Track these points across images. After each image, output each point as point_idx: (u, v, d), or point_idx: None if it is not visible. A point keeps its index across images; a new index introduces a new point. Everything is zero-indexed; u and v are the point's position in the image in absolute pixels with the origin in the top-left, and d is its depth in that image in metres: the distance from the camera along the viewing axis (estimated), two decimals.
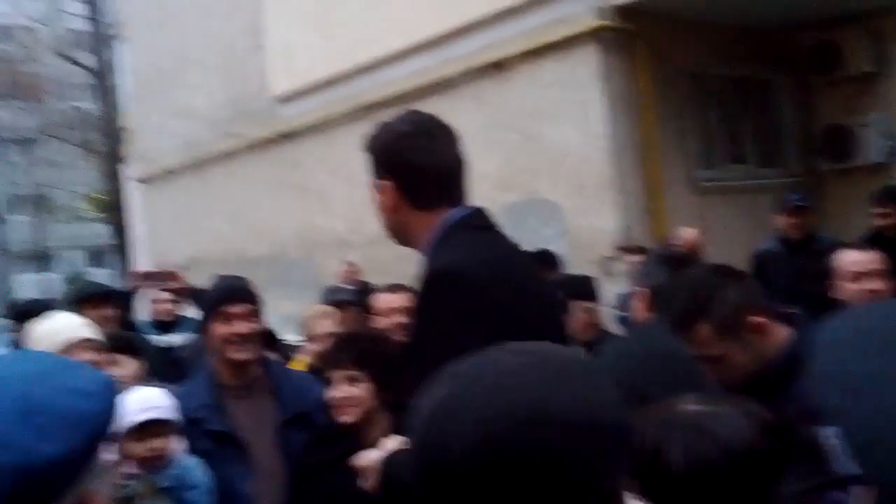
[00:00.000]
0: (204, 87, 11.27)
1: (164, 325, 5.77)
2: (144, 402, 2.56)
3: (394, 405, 2.50)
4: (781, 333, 2.00)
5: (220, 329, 2.81)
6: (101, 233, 29.48)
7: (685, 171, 7.24)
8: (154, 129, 12.59)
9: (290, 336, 4.88)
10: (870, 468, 0.84)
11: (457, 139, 1.94)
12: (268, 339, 3.70)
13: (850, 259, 3.32)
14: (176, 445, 2.66)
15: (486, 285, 1.72)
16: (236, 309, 2.81)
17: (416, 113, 1.98)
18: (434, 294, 1.74)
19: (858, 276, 3.25)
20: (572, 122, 6.87)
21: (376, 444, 2.34)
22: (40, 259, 33.36)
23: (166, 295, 5.98)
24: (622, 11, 6.69)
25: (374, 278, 7.08)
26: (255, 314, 2.86)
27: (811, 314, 4.94)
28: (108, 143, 21.39)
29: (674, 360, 1.84)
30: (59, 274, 34.62)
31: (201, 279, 6.48)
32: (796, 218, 5.30)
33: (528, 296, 1.83)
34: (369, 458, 1.86)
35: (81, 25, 23.65)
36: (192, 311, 5.80)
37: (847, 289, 3.27)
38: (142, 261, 12.66)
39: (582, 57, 6.80)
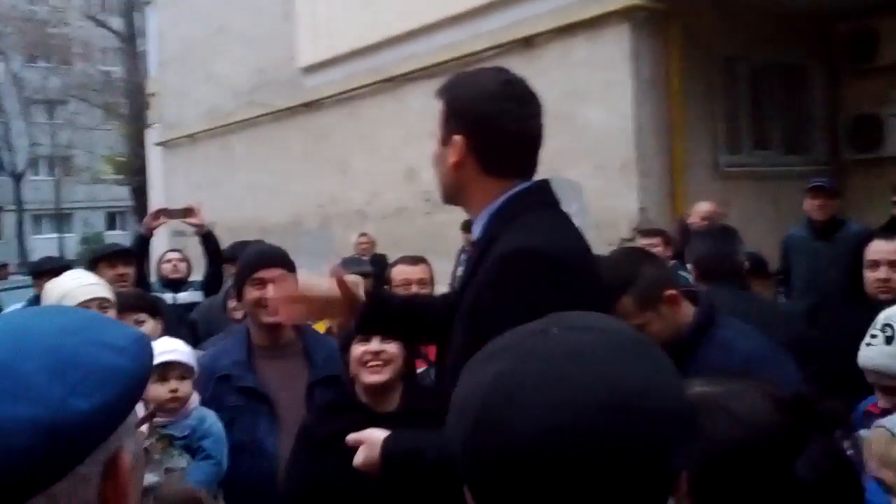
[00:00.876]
0: (231, 55, 11.27)
1: (173, 284, 5.81)
2: (165, 345, 2.66)
3: (407, 376, 2.51)
4: (689, 308, 2.27)
5: (254, 293, 2.85)
6: (119, 195, 29.74)
7: (710, 155, 7.18)
8: (179, 94, 12.62)
9: None
10: None
11: (542, 110, 1.83)
12: None
13: (871, 247, 3.33)
14: (193, 396, 2.71)
15: (573, 267, 1.66)
16: (268, 274, 2.84)
17: (508, 73, 1.83)
18: (518, 273, 1.62)
19: (874, 264, 3.26)
20: (599, 101, 6.82)
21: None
22: (59, 219, 33.62)
23: (175, 254, 6.03)
24: None
25: (387, 251, 7.11)
26: (286, 279, 2.87)
27: (831, 299, 4.92)
28: (131, 106, 21.50)
29: None
30: (76, 234, 34.97)
31: (219, 245, 6.53)
32: (818, 199, 5.26)
33: (598, 278, 1.79)
34: (368, 437, 1.80)
35: None
36: (196, 273, 5.86)
37: (865, 276, 3.28)
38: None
39: (612, 36, 6.74)
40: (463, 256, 6.37)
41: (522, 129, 1.77)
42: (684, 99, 6.84)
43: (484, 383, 0.80)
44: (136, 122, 20.42)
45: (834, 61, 7.77)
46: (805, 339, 2.80)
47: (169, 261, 5.99)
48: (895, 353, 2.21)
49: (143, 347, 0.80)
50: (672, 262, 5.31)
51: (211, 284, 5.34)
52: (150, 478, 2.54)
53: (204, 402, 2.75)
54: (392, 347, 2.44)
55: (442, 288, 4.26)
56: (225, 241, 5.59)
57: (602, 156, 6.82)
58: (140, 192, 19.10)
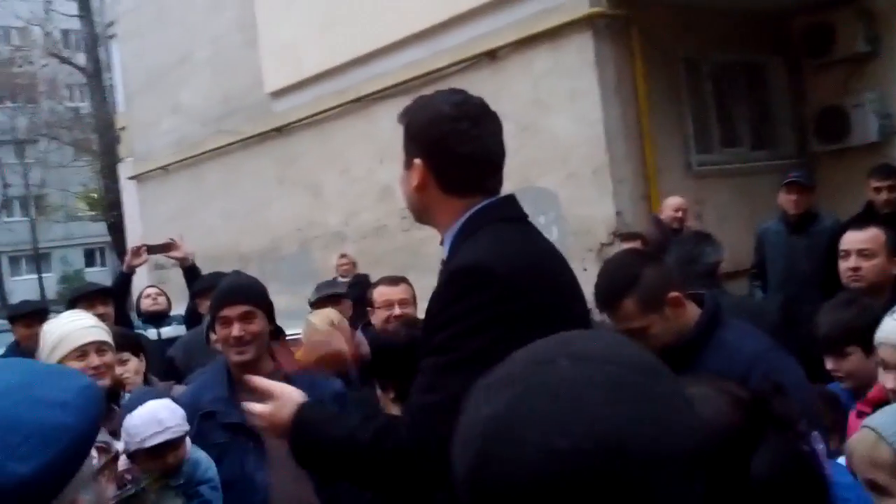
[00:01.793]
0: (197, 83, 11.25)
1: (154, 319, 5.78)
2: (156, 423, 2.54)
3: (401, 397, 2.51)
4: (693, 310, 2.24)
5: (220, 331, 2.82)
6: (96, 231, 29.50)
7: (680, 156, 7.25)
8: (148, 126, 12.57)
9: (289, 330, 4.87)
10: None
11: (500, 127, 1.87)
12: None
13: (843, 238, 3.40)
14: (188, 442, 2.68)
15: (518, 282, 1.66)
16: (231, 312, 2.78)
17: (462, 94, 1.87)
18: (463, 290, 1.65)
19: (846, 253, 3.32)
20: (567, 110, 6.87)
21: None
22: (37, 259, 33.28)
23: (153, 289, 6.00)
24: None
25: (368, 271, 7.11)
26: (250, 315, 2.80)
27: (806, 292, 4.97)
28: (102, 141, 21.37)
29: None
30: (54, 274, 34.61)
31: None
32: (793, 194, 5.31)
33: (560, 290, 1.78)
34: (284, 393, 1.79)
35: (74, 25, 23.59)
36: (179, 306, 5.83)
37: (839, 266, 3.35)
38: None
39: (575, 45, 6.79)
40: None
41: (477, 147, 1.80)
42: (651, 102, 6.91)
43: (488, 415, 0.77)
44: (108, 157, 20.28)
45: (794, 56, 7.88)
46: (777, 334, 2.85)
47: (148, 296, 5.97)
48: None
49: (89, 399, 0.78)
50: None
51: (193, 317, 5.31)
52: None
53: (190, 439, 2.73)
54: None
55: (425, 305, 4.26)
56: (204, 271, 5.56)
57: (574, 164, 6.87)
58: (117, 227, 18.95)
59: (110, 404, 2.68)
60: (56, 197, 31.45)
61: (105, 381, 2.69)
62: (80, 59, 23.57)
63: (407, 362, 1.94)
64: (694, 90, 7.44)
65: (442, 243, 1.86)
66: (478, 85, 7.40)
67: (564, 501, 0.71)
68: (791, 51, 7.86)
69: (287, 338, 4.42)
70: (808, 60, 7.78)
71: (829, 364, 2.65)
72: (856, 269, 3.24)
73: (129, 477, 2.56)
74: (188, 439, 2.67)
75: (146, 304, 5.95)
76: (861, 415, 2.24)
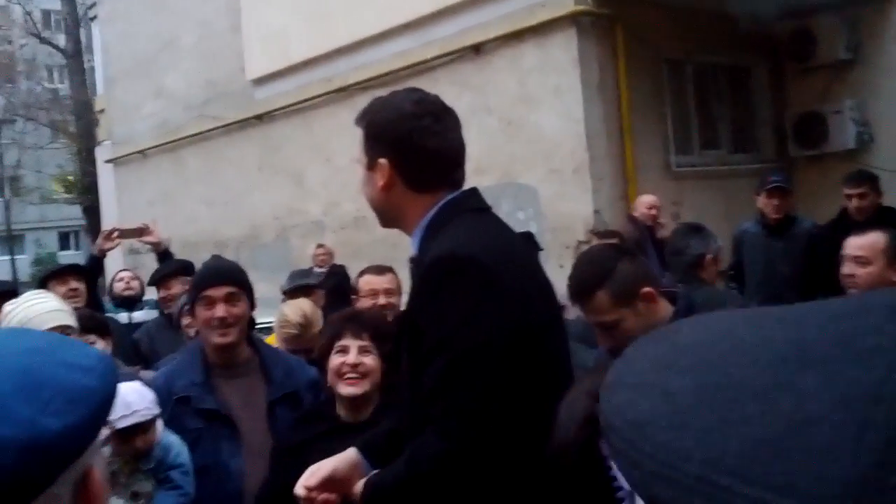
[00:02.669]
0: (180, 68, 11.15)
1: (126, 302, 5.73)
2: (124, 406, 2.49)
3: (386, 388, 2.50)
4: (667, 307, 2.25)
5: (203, 313, 2.79)
6: (71, 214, 29.18)
7: (660, 156, 7.29)
8: (128, 110, 12.45)
9: (263, 318, 4.86)
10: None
11: (459, 122, 1.90)
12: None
13: (845, 242, 3.33)
14: (157, 424, 2.65)
15: (495, 268, 1.70)
16: (216, 292, 2.77)
17: (420, 92, 1.90)
18: (445, 279, 1.67)
19: (844, 259, 3.29)
20: (550, 106, 6.88)
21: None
22: (10, 241, 32.85)
23: (127, 273, 5.95)
24: None
25: (347, 261, 7.09)
26: (236, 297, 2.80)
27: (783, 294, 5.02)
28: (80, 124, 21.14)
29: None
30: (28, 256, 34.20)
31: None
32: (774, 199, 5.35)
33: (530, 277, 1.83)
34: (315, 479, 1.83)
35: (55, 6, 23.29)
36: (152, 291, 5.78)
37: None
38: None
39: (560, 41, 6.81)
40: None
41: (441, 143, 1.83)
42: (633, 101, 6.94)
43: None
44: (86, 140, 20.07)
45: (777, 61, 7.95)
46: None
47: (121, 279, 5.91)
48: None
49: (109, 367, 0.79)
50: None
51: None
52: (116, 502, 2.50)
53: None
54: (370, 360, 2.43)
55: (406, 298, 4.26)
56: (181, 257, 5.53)
57: (555, 160, 6.89)
58: (92, 211, 18.76)
59: None
60: (31, 179, 31.03)
61: None
62: (61, 40, 23.29)
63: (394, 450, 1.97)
64: (676, 91, 7.49)
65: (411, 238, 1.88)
66: (464, 78, 7.41)
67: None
68: (774, 55, 7.93)
69: (258, 326, 4.42)
70: (791, 65, 7.85)
71: None
72: (850, 276, 3.18)
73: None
74: (159, 423, 2.65)
75: (119, 288, 5.89)
76: None
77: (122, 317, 5.48)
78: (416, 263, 1.85)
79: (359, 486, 1.79)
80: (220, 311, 2.74)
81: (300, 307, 3.64)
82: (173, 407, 2.75)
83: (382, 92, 2.00)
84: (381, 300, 3.66)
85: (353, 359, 2.41)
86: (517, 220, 6.62)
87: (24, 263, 32.31)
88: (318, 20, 8.79)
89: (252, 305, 2.88)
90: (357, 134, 1.91)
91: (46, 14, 28.47)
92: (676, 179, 7.34)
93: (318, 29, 8.77)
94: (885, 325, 0.37)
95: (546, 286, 1.88)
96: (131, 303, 5.72)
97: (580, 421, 1.16)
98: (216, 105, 10.48)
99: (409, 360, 1.75)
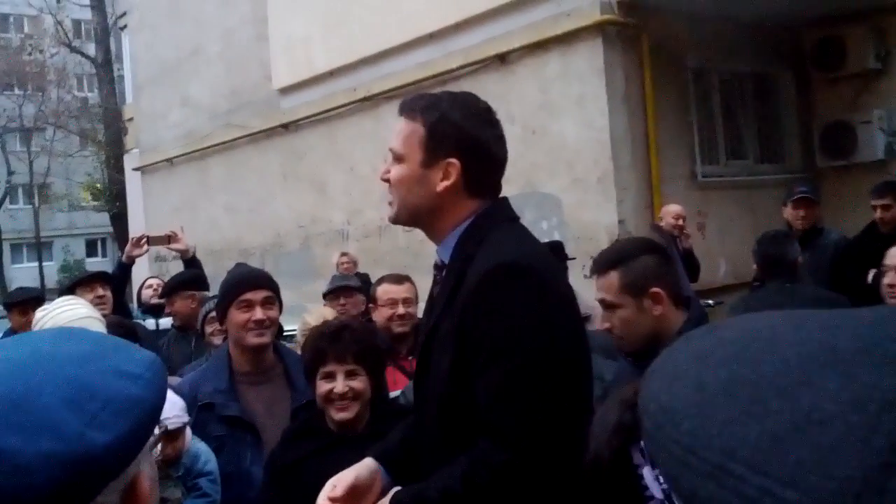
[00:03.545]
0: (206, 77, 11.26)
1: (154, 310, 5.78)
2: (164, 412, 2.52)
3: (374, 401, 2.48)
4: (675, 314, 2.23)
5: (240, 316, 2.82)
6: (99, 222, 29.53)
7: (686, 166, 7.24)
8: (155, 118, 12.58)
9: (288, 325, 4.89)
10: None
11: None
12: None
13: (887, 252, 3.38)
14: (186, 432, 2.67)
15: (552, 277, 1.72)
16: (256, 295, 2.83)
17: (475, 96, 1.86)
18: (507, 287, 1.65)
19: (887, 269, 3.32)
20: (574, 115, 6.87)
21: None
22: (39, 247, 33.30)
23: (156, 280, 6.01)
24: (626, 6, 6.68)
25: (369, 269, 7.11)
26: (272, 301, 2.88)
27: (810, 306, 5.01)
28: (108, 132, 21.40)
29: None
30: (55, 262, 34.65)
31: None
32: (801, 210, 5.30)
33: (567, 284, 1.86)
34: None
35: (86, 15, 23.63)
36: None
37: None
38: None
39: (585, 51, 6.80)
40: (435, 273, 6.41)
41: (504, 152, 1.83)
42: (658, 111, 6.91)
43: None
44: (114, 148, 20.32)
45: (804, 70, 7.88)
46: None
47: (150, 286, 5.97)
48: None
49: (157, 373, 0.79)
50: None
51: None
52: None
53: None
54: (357, 383, 2.41)
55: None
56: (205, 264, 5.56)
57: (579, 169, 6.86)
58: (119, 218, 18.97)
59: None
60: (60, 186, 31.49)
61: None
62: (90, 49, 23.63)
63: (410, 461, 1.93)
64: (702, 100, 7.44)
65: (438, 244, 1.84)
66: (487, 87, 7.41)
67: None
68: (801, 64, 7.86)
69: (285, 334, 4.45)
70: (818, 74, 7.78)
71: None
72: (892, 286, 3.20)
73: None
74: (188, 431, 2.67)
75: (147, 295, 5.96)
76: None
77: (150, 323, 5.53)
78: (449, 270, 1.79)
79: (384, 502, 1.72)
80: (258, 313, 2.80)
81: (322, 314, 3.67)
82: (197, 413, 2.78)
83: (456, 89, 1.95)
84: (400, 309, 3.67)
85: (340, 388, 2.38)
86: (541, 229, 6.60)
87: (52, 270, 32.74)
88: (342, 30, 8.84)
89: (280, 311, 2.94)
90: (386, 137, 1.87)
91: (77, 24, 28.92)
92: (702, 189, 7.28)
93: (343, 39, 8.82)
94: None
95: (573, 295, 1.89)
96: (159, 310, 5.78)
97: (612, 429, 1.16)
98: (241, 114, 10.57)
99: (451, 369, 1.69)
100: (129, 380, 0.74)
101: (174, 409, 2.59)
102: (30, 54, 27.93)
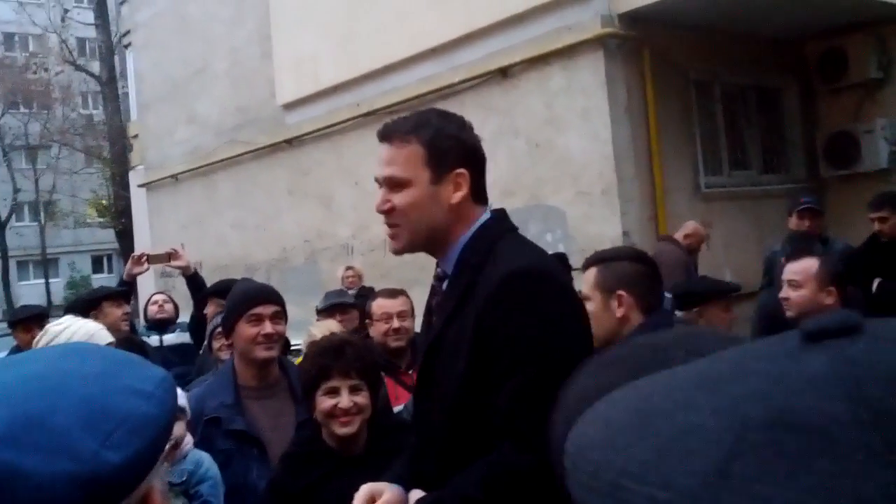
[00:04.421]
0: (211, 94, 11.32)
1: (159, 325, 5.78)
2: None
3: (371, 419, 2.48)
4: (636, 320, 2.39)
5: (249, 330, 2.84)
6: (104, 238, 29.61)
7: (690, 178, 7.26)
8: (161, 135, 12.64)
9: (295, 340, 4.90)
10: None
11: None
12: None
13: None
14: (187, 438, 2.69)
15: (566, 282, 1.78)
16: (265, 310, 2.85)
17: (448, 111, 1.94)
18: (526, 294, 1.67)
19: (783, 282, 3.43)
20: (577, 128, 6.89)
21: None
22: (45, 264, 33.40)
23: (161, 296, 6.02)
24: (628, 19, 6.71)
25: (376, 283, 7.12)
26: (280, 315, 2.91)
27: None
28: (114, 149, 21.49)
29: None
30: (62, 279, 34.74)
31: (206, 284, 6.50)
32: (805, 220, 5.32)
33: (574, 291, 1.89)
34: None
35: (90, 34, 23.78)
36: (186, 314, 5.84)
37: None
38: None
39: (587, 64, 6.83)
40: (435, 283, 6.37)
41: (484, 159, 1.88)
42: (661, 123, 6.93)
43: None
44: (119, 165, 20.40)
45: (806, 81, 7.90)
46: None
47: (155, 302, 5.98)
48: None
49: (168, 391, 0.79)
50: None
51: (197, 325, 5.30)
52: None
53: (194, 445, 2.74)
54: (361, 398, 2.41)
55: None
56: (212, 281, 5.57)
57: (583, 182, 6.88)
58: (125, 235, 19.03)
59: None
60: (66, 203, 31.60)
61: None
62: (95, 67, 23.76)
63: None
64: (704, 112, 7.46)
65: (441, 257, 1.84)
66: (491, 101, 7.45)
67: None
68: (804, 75, 7.88)
69: (292, 348, 4.46)
70: (821, 85, 7.80)
71: None
72: (785, 299, 3.32)
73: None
74: (189, 438, 2.69)
75: (152, 311, 5.96)
76: None
77: (153, 340, 5.54)
78: (456, 280, 1.79)
79: None
80: (268, 327, 2.82)
81: (328, 327, 3.67)
82: (203, 428, 2.79)
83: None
84: (395, 323, 3.66)
85: (346, 403, 2.38)
86: (545, 242, 6.61)
87: (58, 287, 32.81)
88: (346, 46, 8.89)
89: (286, 325, 2.97)
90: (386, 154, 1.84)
91: (81, 42, 29.10)
92: (706, 201, 7.29)
93: (347, 54, 8.88)
94: (776, 352, 0.45)
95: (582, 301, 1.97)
96: (164, 325, 5.79)
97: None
98: (247, 130, 10.62)
99: (465, 375, 1.69)
100: (142, 398, 0.75)
101: (178, 398, 2.61)
102: (35, 73, 28.12)
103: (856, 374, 0.39)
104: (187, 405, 2.70)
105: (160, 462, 0.80)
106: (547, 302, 1.67)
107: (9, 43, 33.65)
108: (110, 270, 36.25)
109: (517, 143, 7.17)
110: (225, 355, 3.84)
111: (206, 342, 4.31)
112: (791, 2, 6.88)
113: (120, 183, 20.05)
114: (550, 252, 5.17)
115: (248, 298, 2.93)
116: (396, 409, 3.23)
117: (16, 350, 5.16)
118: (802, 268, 3.33)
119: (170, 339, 5.64)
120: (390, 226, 1.83)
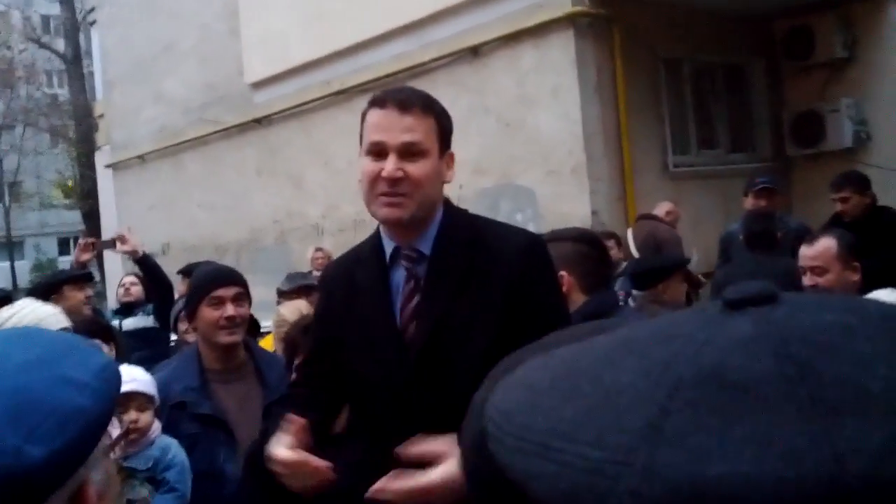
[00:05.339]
0: (179, 72, 11.16)
1: (125, 309, 5.70)
2: (124, 375, 2.53)
3: None
4: (580, 300, 2.46)
5: (210, 313, 2.80)
6: (71, 220, 29.21)
7: (658, 157, 7.30)
8: (127, 114, 12.46)
9: (266, 322, 4.87)
10: None
11: None
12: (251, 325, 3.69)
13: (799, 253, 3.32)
14: (155, 424, 2.67)
15: None
16: (226, 292, 2.81)
17: None
18: (549, 260, 1.86)
19: (802, 270, 3.25)
20: (548, 107, 6.90)
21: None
22: (10, 247, 32.89)
23: (130, 278, 5.93)
24: None
25: None
26: (243, 297, 2.86)
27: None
28: (79, 129, 21.16)
29: None
30: (27, 261, 34.23)
31: (175, 265, 6.46)
32: (762, 200, 5.35)
33: None
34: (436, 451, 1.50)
35: (54, 11, 23.32)
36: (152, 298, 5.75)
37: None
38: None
39: (558, 42, 6.83)
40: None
41: None
42: (630, 102, 6.95)
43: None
44: (85, 145, 20.10)
45: (774, 60, 7.96)
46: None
47: (123, 285, 5.89)
48: None
49: (107, 381, 0.77)
50: (625, 263, 5.41)
51: (160, 308, 5.19)
52: None
53: None
54: None
55: None
56: (181, 261, 5.51)
57: (553, 161, 6.90)
58: (92, 216, 18.79)
59: None
60: (31, 184, 31.10)
61: None
62: (60, 45, 23.33)
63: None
64: (673, 91, 7.50)
65: (415, 237, 1.84)
66: (462, 79, 7.42)
67: None
68: (771, 54, 7.94)
69: (262, 330, 4.43)
70: (788, 64, 7.86)
71: None
72: (813, 287, 3.15)
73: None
74: (157, 425, 2.67)
75: (119, 294, 5.87)
76: None
77: (115, 323, 5.46)
78: (445, 258, 1.81)
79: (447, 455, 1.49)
80: (229, 310, 2.78)
81: (297, 307, 3.65)
82: (169, 412, 2.75)
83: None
84: None
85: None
86: (516, 221, 6.63)
87: (24, 269, 32.33)
88: (316, 23, 8.80)
89: (249, 307, 2.93)
90: (356, 136, 1.87)
91: (45, 19, 28.54)
92: (674, 180, 7.35)
93: (317, 32, 8.79)
94: (699, 319, 0.46)
95: None
96: (131, 308, 5.70)
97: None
98: (215, 109, 10.50)
99: (490, 349, 1.59)
100: (75, 388, 0.72)
101: (145, 380, 2.65)
102: None
103: (782, 333, 0.41)
104: (156, 394, 2.68)
105: (99, 454, 0.77)
106: (554, 268, 1.90)
107: None
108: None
109: (488, 121, 7.17)
110: (192, 338, 3.80)
111: (171, 326, 4.28)
112: None
113: (86, 163, 19.78)
114: None
115: (209, 280, 2.88)
116: None
117: None
118: (821, 251, 3.15)
119: (129, 323, 5.50)
120: (395, 194, 1.75)
